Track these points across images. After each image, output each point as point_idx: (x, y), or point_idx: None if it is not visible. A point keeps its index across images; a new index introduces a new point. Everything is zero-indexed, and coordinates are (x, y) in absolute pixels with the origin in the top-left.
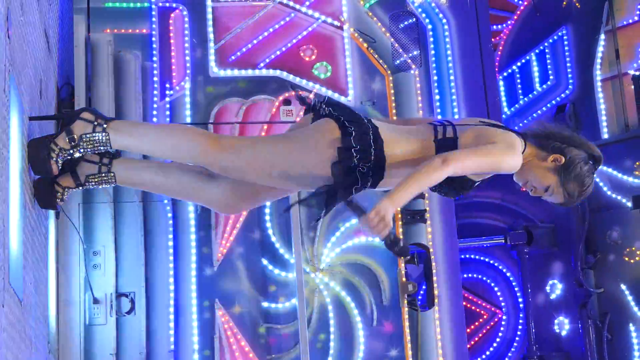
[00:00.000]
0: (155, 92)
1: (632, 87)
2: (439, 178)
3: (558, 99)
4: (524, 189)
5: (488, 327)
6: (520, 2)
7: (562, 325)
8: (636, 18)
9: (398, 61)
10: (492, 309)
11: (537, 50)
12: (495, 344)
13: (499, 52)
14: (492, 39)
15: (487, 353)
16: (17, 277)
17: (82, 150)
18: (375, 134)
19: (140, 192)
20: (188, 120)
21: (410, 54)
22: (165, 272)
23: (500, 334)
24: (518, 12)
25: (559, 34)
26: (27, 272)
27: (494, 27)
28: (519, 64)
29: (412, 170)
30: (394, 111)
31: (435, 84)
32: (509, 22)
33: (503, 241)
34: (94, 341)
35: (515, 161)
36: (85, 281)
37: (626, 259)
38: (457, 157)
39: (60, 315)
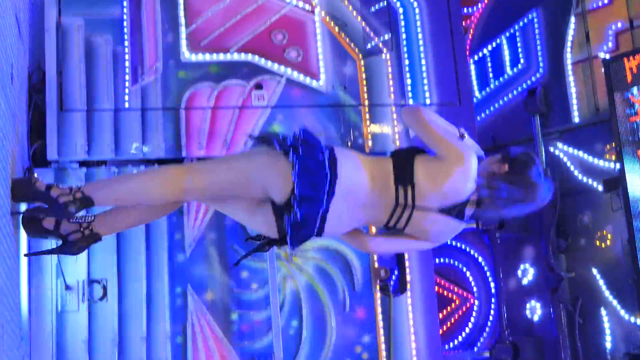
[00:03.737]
0: (126, 77)
1: (602, 70)
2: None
3: (529, 82)
4: None
5: (460, 313)
6: None
7: (534, 310)
8: (606, 1)
9: (369, 45)
10: (464, 294)
11: (507, 34)
12: (467, 329)
13: (470, 36)
14: (463, 22)
15: (460, 338)
16: None
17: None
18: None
19: (112, 176)
20: (159, 105)
21: (382, 38)
22: (137, 258)
23: (472, 319)
24: None
25: (530, 17)
26: None
27: (465, 10)
28: (489, 47)
29: None
30: (366, 95)
31: (407, 68)
32: (479, 5)
33: (475, 226)
34: (66, 328)
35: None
36: (57, 268)
37: (597, 243)
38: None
39: (32, 301)
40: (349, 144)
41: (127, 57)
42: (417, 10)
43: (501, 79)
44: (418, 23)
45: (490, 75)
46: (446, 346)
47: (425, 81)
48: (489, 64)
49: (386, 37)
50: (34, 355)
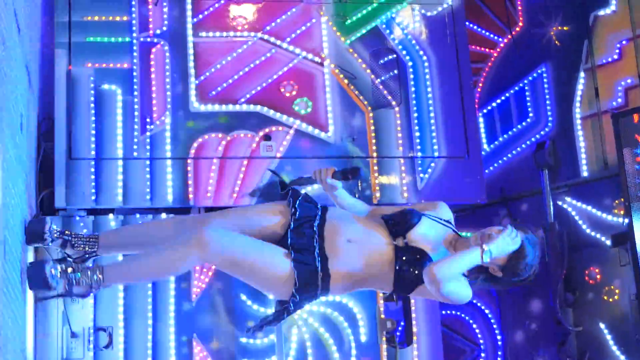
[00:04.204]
0: (135, 126)
1: (612, 125)
2: None
3: (538, 136)
4: None
5: None
6: (500, 39)
7: None
8: (615, 57)
9: (378, 98)
10: (471, 346)
11: (516, 88)
12: None
13: (479, 89)
14: (473, 76)
15: None
16: None
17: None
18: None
19: (120, 224)
20: (168, 154)
21: (391, 91)
22: (143, 306)
23: None
24: (498, 49)
25: (539, 71)
26: (4, 305)
27: (474, 64)
28: (498, 101)
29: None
30: (374, 147)
31: (416, 121)
32: (489, 60)
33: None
34: None
35: None
36: (64, 315)
37: (605, 297)
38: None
39: (38, 348)
40: (357, 195)
41: (136, 106)
42: (426, 64)
43: (510, 132)
44: (427, 76)
45: (499, 128)
46: None
47: (434, 134)
48: (498, 118)
49: (395, 89)
50: None
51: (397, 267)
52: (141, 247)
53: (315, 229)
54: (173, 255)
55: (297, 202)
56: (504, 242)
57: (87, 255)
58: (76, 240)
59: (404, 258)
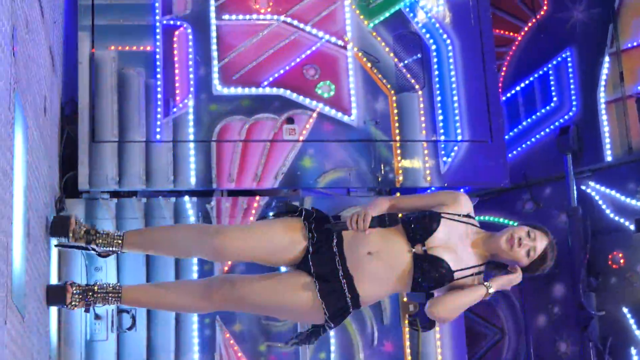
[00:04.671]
0: (158, 109)
1: (636, 109)
2: None
3: (561, 120)
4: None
5: (489, 348)
6: (524, 23)
7: (564, 347)
8: None
9: (402, 81)
10: (494, 330)
11: (540, 72)
12: None
13: (503, 73)
14: (497, 60)
15: None
16: (20, 294)
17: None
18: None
19: (142, 207)
20: (191, 137)
21: (414, 74)
22: None
23: (502, 356)
24: (522, 33)
25: (563, 55)
26: (29, 289)
27: (498, 48)
28: (522, 85)
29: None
30: (397, 131)
31: (439, 105)
32: (513, 43)
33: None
34: (95, 357)
35: None
36: None
37: (628, 282)
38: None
39: (62, 331)
40: (379, 178)
41: (159, 89)
42: (449, 47)
43: (533, 116)
44: (451, 60)
45: (523, 113)
46: None
47: (457, 117)
48: (521, 102)
49: (418, 73)
50: None
51: (416, 276)
52: (164, 252)
53: (334, 250)
54: (191, 307)
55: (313, 225)
56: (509, 281)
57: (110, 252)
58: (101, 241)
59: (423, 267)
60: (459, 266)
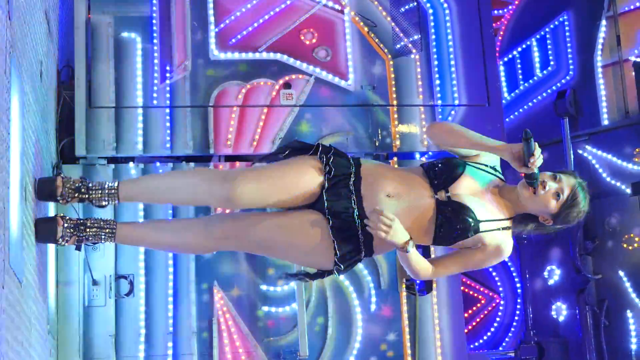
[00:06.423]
0: (155, 74)
1: (633, 73)
2: None
3: (558, 84)
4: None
5: (486, 312)
6: None
7: (560, 311)
8: (638, 4)
9: (399, 45)
10: (490, 294)
11: (537, 36)
12: (492, 329)
13: (500, 37)
14: (493, 24)
15: (485, 338)
16: (17, 259)
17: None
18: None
19: (140, 173)
20: (188, 102)
21: (411, 38)
22: (164, 254)
23: (497, 319)
24: None
25: (560, 19)
26: (27, 254)
27: (495, 11)
28: (519, 49)
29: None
30: (394, 95)
31: (436, 69)
32: (510, 7)
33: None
34: (93, 322)
35: None
36: (85, 263)
37: (624, 245)
38: None
39: (60, 296)
40: (377, 143)
41: (156, 54)
42: (447, 11)
43: (531, 80)
44: (448, 24)
45: (520, 76)
46: (471, 345)
47: (454, 82)
48: (519, 66)
49: (415, 37)
50: (61, 349)
51: (439, 222)
52: (164, 199)
53: (351, 187)
54: (190, 244)
55: (331, 160)
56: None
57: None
58: (94, 197)
59: (446, 213)
60: (486, 217)
